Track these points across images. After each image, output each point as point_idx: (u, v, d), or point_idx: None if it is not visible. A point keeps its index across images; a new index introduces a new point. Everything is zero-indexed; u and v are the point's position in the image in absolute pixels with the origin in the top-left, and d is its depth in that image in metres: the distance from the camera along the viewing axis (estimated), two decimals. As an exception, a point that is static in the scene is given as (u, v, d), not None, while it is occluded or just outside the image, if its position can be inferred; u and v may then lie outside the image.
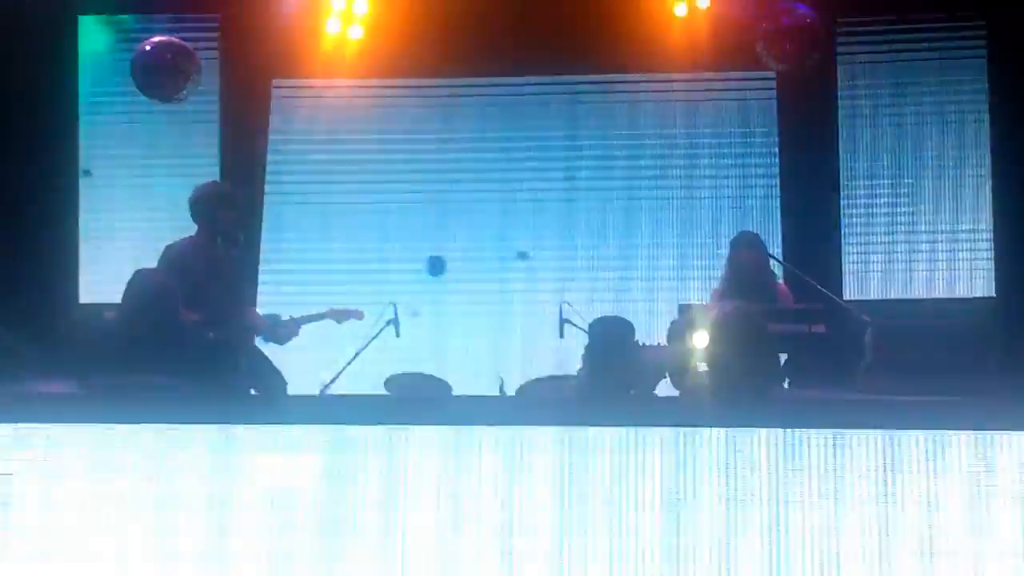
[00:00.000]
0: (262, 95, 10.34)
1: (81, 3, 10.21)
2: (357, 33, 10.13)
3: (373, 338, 8.74)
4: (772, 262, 8.52)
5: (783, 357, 8.01)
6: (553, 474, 5.54)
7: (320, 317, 8.41)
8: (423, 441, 5.62)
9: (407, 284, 10.00)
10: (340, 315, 8.46)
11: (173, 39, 8.92)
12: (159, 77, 8.74)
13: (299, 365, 8.79)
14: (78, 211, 10.22)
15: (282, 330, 8.16)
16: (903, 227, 9.87)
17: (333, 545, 5.52)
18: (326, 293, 9.95)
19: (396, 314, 8.76)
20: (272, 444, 5.66)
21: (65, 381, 6.52)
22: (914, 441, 5.54)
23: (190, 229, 7.95)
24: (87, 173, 10.09)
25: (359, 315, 8.54)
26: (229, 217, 7.87)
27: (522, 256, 10.10)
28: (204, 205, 7.84)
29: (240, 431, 5.64)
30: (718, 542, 5.46)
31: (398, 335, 8.87)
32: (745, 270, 8.12)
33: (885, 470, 5.50)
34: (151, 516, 5.59)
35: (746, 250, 8.22)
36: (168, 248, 7.81)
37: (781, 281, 8.58)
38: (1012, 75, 9.61)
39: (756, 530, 5.45)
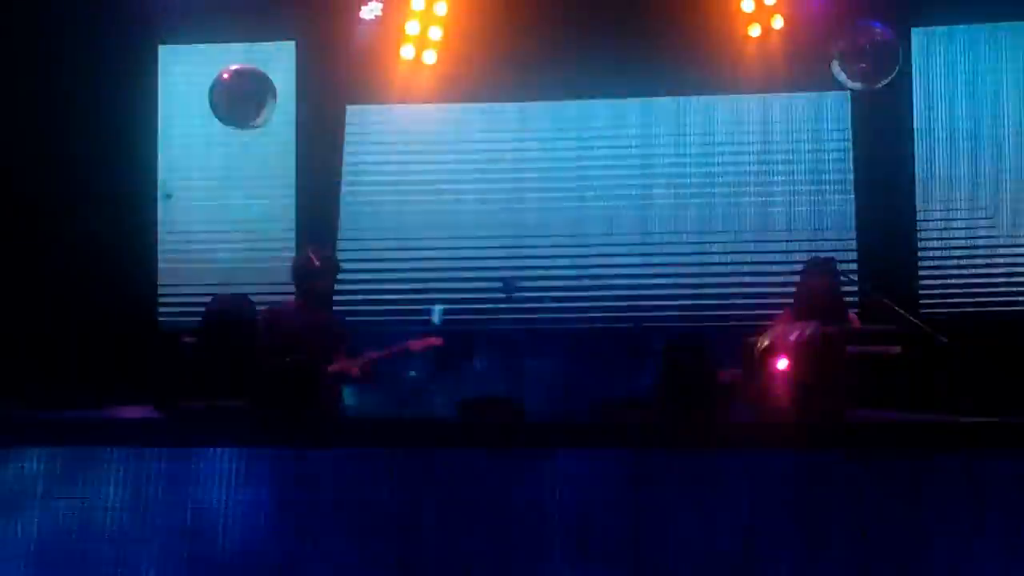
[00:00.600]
0: (337, 120, 10.42)
1: (161, 32, 10.34)
2: (431, 58, 10.20)
3: (448, 365, 8.76)
4: (845, 286, 8.45)
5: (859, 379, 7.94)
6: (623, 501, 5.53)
7: (397, 351, 8.35)
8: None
9: (484, 306, 10.03)
10: (420, 347, 8.39)
11: (250, 66, 9.04)
12: (238, 104, 8.86)
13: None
14: (157, 237, 10.34)
15: (358, 373, 8.15)
16: (981, 245, 9.77)
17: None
18: (401, 315, 10.04)
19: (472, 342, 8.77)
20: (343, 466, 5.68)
21: (143, 406, 6.59)
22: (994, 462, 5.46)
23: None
24: (168, 196, 10.21)
25: (440, 342, 8.51)
26: (326, 287, 8.01)
27: (591, 277, 10.11)
28: (300, 274, 7.95)
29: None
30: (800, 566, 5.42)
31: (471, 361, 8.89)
32: (816, 295, 8.06)
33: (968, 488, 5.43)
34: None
35: (818, 276, 8.15)
36: (265, 312, 7.86)
37: (853, 312, 8.50)
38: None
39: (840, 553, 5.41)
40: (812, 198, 10.01)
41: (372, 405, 8.90)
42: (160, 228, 10.37)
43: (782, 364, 7.09)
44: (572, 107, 10.31)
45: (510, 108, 10.35)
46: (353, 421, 7.73)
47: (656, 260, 10.10)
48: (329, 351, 7.85)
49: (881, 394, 7.80)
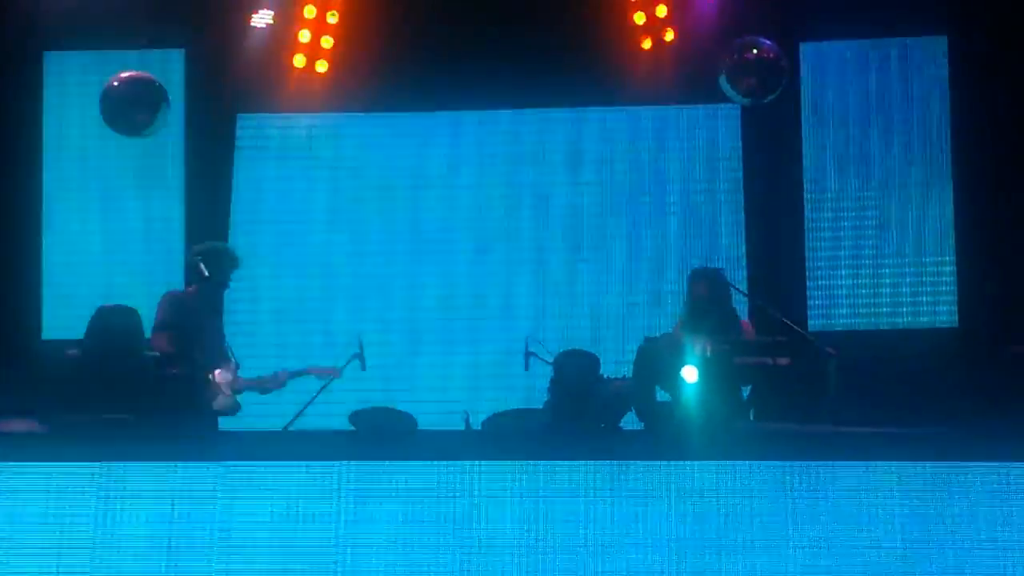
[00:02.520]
0: (228, 129, 10.32)
1: (47, 38, 10.16)
2: (323, 67, 10.15)
3: (340, 371, 8.71)
4: (735, 296, 8.53)
5: (747, 390, 8.03)
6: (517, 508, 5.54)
7: (303, 373, 8.41)
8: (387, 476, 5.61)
9: (375, 317, 9.99)
10: (321, 373, 8.46)
11: (141, 74, 8.91)
12: (128, 112, 8.72)
13: (263, 400, 8.76)
14: (41, 247, 10.15)
15: (269, 383, 8.16)
16: (868, 258, 9.92)
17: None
18: (293, 328, 9.96)
19: (361, 347, 8.74)
20: (232, 481, 5.63)
21: (26, 419, 6.47)
22: (882, 472, 5.57)
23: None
24: None
25: (338, 374, 8.53)
26: (227, 279, 8.07)
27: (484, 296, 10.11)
28: (214, 263, 7.90)
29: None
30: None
31: (364, 368, 8.85)
32: (701, 303, 8.13)
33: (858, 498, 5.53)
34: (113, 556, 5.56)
35: (700, 284, 8.22)
36: (167, 297, 7.86)
37: (745, 318, 8.59)
38: (974, 99, 9.69)
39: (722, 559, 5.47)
40: (704, 209, 10.10)
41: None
42: (45, 238, 10.16)
43: (690, 375, 7.17)
44: (469, 117, 10.29)
45: (406, 118, 10.31)
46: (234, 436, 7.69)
47: (549, 271, 10.11)
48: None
49: (770, 404, 7.91)
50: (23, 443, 5.98)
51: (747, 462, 5.67)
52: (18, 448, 5.86)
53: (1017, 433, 5.79)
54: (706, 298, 8.08)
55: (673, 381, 7.62)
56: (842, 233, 9.96)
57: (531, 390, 9.04)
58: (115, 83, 8.62)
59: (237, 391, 8.05)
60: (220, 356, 7.91)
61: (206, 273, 8.06)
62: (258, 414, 9.12)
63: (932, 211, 9.88)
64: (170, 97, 8.86)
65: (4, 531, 5.60)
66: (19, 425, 6.42)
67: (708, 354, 7.42)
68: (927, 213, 9.88)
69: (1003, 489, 5.60)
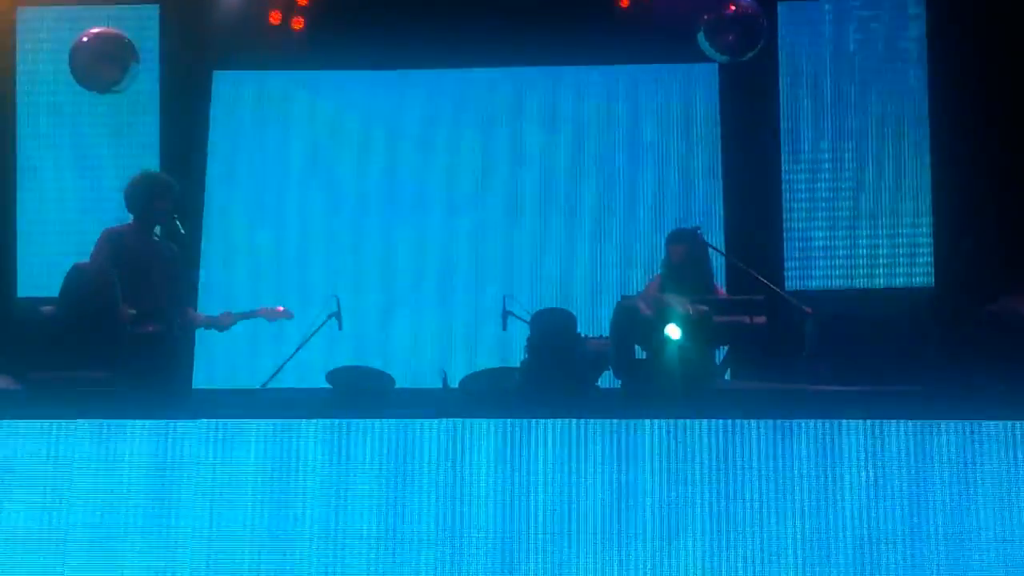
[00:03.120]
0: (203, 87, 10.25)
1: (19, -6, 10.08)
2: (300, 23, 10.07)
3: (315, 331, 8.70)
4: (712, 256, 8.54)
5: (724, 349, 8.05)
6: (495, 466, 5.54)
7: (251, 315, 8.30)
8: (366, 434, 5.60)
9: (351, 275, 9.97)
10: (271, 314, 8.34)
11: (111, 29, 8.83)
12: (97, 68, 8.65)
13: (243, 358, 8.76)
14: (15, 204, 10.08)
15: (218, 323, 8.08)
16: (844, 218, 9.94)
17: (272, 542, 5.50)
18: (268, 285, 9.94)
19: (339, 307, 8.72)
20: (211, 438, 5.62)
21: (1, 375, 6.44)
22: (854, 430, 5.59)
23: (127, 219, 7.86)
24: None
25: (289, 315, 8.41)
26: (165, 207, 7.75)
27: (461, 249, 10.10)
28: (140, 195, 7.71)
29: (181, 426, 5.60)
30: (661, 533, 5.48)
31: (341, 328, 8.84)
32: (677, 265, 8.14)
33: (826, 458, 5.55)
34: (95, 513, 5.55)
35: (678, 244, 8.24)
36: (108, 232, 7.67)
37: (720, 282, 8.60)
38: (951, 57, 9.68)
39: (698, 519, 5.48)
40: (681, 169, 10.09)
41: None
42: (19, 195, 10.09)
43: (674, 332, 7.18)
44: (445, 75, 10.24)
45: (382, 76, 10.25)
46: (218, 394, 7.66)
47: (525, 232, 10.10)
48: (175, 284, 7.74)
49: (747, 363, 7.93)
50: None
51: (725, 420, 5.67)
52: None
53: (991, 391, 5.82)
54: (684, 258, 8.09)
55: (650, 339, 7.62)
56: (819, 193, 9.97)
57: (509, 349, 9.06)
58: (84, 39, 8.55)
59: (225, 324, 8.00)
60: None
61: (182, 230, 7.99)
62: (234, 374, 9.16)
63: (909, 170, 9.89)
64: (144, 53, 8.81)
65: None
66: (-6, 382, 6.39)
67: (688, 313, 7.42)
68: (904, 172, 9.89)
69: (974, 447, 5.62)
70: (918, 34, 9.91)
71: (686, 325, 7.22)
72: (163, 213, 7.73)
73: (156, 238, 7.81)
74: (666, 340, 7.05)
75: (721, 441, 5.60)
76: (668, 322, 7.11)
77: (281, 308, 8.35)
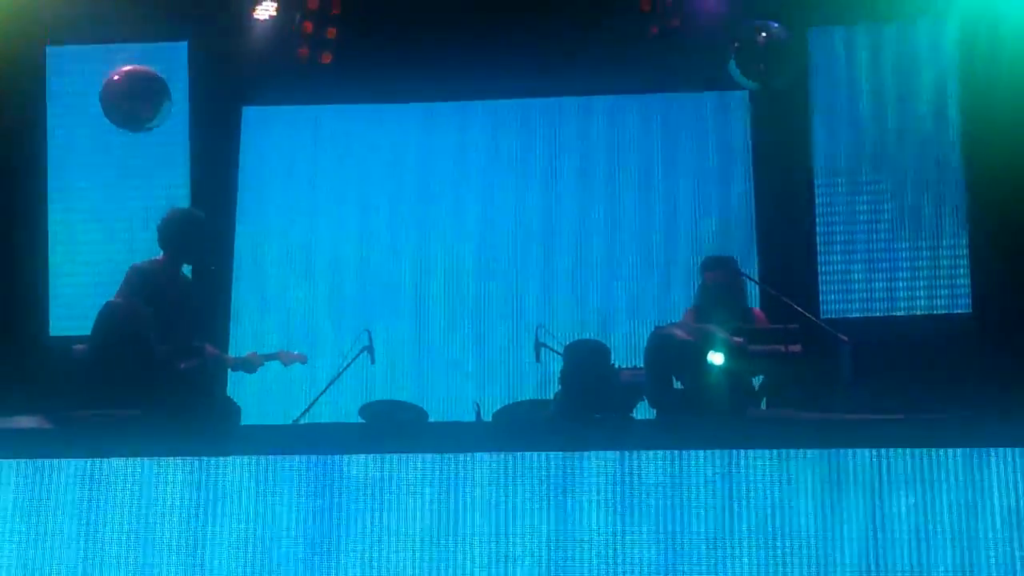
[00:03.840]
0: (232, 122, 10.26)
1: (49, 33, 10.10)
2: (328, 58, 10.08)
3: (347, 365, 8.68)
4: (747, 284, 8.49)
5: (759, 379, 7.98)
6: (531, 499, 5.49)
7: (271, 358, 8.27)
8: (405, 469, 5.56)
9: (383, 309, 9.94)
10: (287, 358, 8.31)
11: (143, 67, 8.84)
12: (128, 106, 8.65)
13: (275, 394, 8.74)
14: (47, 242, 10.10)
15: (246, 363, 8.03)
16: (880, 245, 9.86)
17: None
18: (300, 320, 9.92)
19: (371, 340, 8.70)
20: (247, 476, 5.58)
21: (35, 415, 6.41)
22: (900, 458, 5.52)
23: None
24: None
25: (303, 359, 8.36)
26: (198, 243, 7.71)
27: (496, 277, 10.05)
28: (173, 230, 7.68)
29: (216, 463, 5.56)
30: (714, 564, 5.41)
31: (373, 362, 8.82)
32: (713, 292, 8.09)
33: (874, 487, 5.48)
34: (129, 553, 5.50)
35: (713, 272, 8.19)
36: (136, 267, 7.63)
37: (756, 307, 8.54)
38: (984, 80, 9.62)
39: (750, 551, 5.41)
40: (715, 198, 10.04)
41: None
42: (51, 234, 10.11)
43: (716, 358, 7.15)
44: (477, 107, 10.24)
45: (413, 108, 10.25)
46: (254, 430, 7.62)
47: (558, 260, 10.05)
48: (204, 322, 7.71)
49: (783, 392, 7.86)
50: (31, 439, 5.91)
51: (760, 451, 5.60)
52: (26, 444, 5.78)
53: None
54: (719, 286, 8.04)
55: (686, 370, 7.57)
56: (855, 219, 9.89)
57: (543, 382, 9.02)
58: (115, 77, 8.55)
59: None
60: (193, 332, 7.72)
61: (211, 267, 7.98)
62: (263, 409, 9.14)
63: (946, 196, 9.81)
64: (173, 90, 8.81)
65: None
66: (27, 422, 6.36)
67: (727, 340, 7.39)
68: (942, 198, 9.81)
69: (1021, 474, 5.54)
70: (950, 55, 9.84)
71: (726, 351, 7.20)
72: (196, 249, 7.70)
73: (186, 275, 7.78)
74: (709, 367, 7.01)
75: (758, 471, 5.53)
76: (707, 350, 7.07)
77: (296, 352, 8.31)
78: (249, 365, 7.98)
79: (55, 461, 5.58)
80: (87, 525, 5.54)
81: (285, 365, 8.30)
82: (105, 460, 5.58)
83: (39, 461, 5.62)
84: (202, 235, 7.69)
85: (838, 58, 10.02)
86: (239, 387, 9.23)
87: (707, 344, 7.16)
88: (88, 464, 5.59)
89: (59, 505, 5.56)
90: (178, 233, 7.63)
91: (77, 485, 5.59)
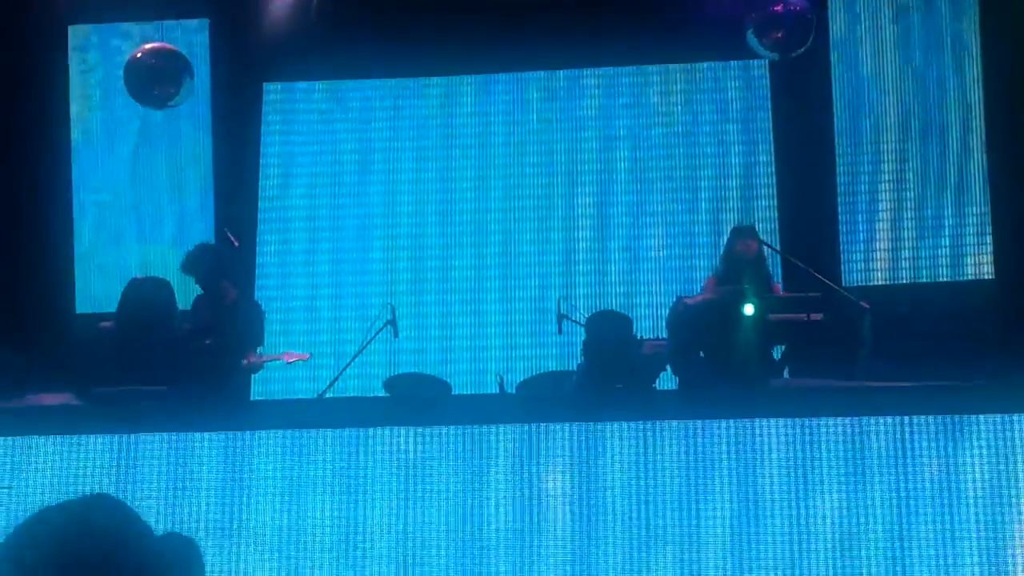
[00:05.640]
0: (254, 98, 10.28)
1: (70, 13, 10.14)
2: (350, 33, 10.06)
3: (370, 339, 8.72)
4: (769, 253, 8.50)
5: (782, 347, 8.01)
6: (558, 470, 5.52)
7: (275, 358, 8.37)
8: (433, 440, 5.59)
9: (408, 283, 9.97)
10: (291, 357, 8.38)
11: (165, 44, 8.88)
12: (151, 84, 8.68)
13: (299, 370, 8.80)
14: (72, 221, 10.15)
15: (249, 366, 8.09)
16: (902, 212, 9.82)
17: (344, 550, 5.49)
18: (325, 294, 9.96)
19: (394, 315, 8.75)
20: (276, 448, 5.63)
21: (63, 392, 6.48)
22: (922, 426, 5.53)
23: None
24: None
25: (306, 358, 8.46)
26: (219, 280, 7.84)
27: (520, 253, 10.05)
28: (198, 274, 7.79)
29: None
30: (734, 531, 5.43)
31: (396, 335, 8.87)
32: (739, 260, 8.10)
33: (900, 455, 5.50)
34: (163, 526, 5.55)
35: (741, 240, 8.20)
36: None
37: (778, 280, 8.55)
38: (1006, 44, 9.56)
39: (774, 518, 5.43)
40: (737, 166, 10.01)
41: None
42: (75, 212, 10.17)
43: (748, 309, 7.21)
44: (500, 80, 10.22)
45: (435, 82, 10.24)
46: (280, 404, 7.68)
47: (580, 231, 10.04)
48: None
49: (804, 359, 7.88)
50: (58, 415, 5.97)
51: (782, 419, 5.62)
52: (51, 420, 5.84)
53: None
54: (744, 255, 8.06)
55: (708, 339, 7.61)
56: (877, 187, 9.86)
57: (565, 353, 9.04)
58: (138, 55, 8.59)
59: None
60: None
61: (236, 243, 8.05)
62: (291, 383, 9.21)
63: (969, 163, 9.77)
64: (195, 68, 8.85)
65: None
66: (54, 398, 6.42)
67: (748, 312, 7.44)
68: (965, 165, 9.78)
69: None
70: (973, 25, 9.79)
71: (756, 303, 7.28)
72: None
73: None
74: (736, 328, 7.08)
75: (792, 439, 5.55)
76: (731, 318, 7.13)
77: (294, 354, 8.37)
78: (251, 368, 8.05)
79: (84, 436, 5.62)
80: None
81: (288, 363, 8.39)
82: (133, 436, 5.62)
83: (69, 437, 5.67)
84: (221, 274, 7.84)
85: (858, 25, 9.98)
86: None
87: (733, 307, 7.23)
88: (117, 439, 5.63)
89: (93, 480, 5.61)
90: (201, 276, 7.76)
91: (109, 457, 5.63)
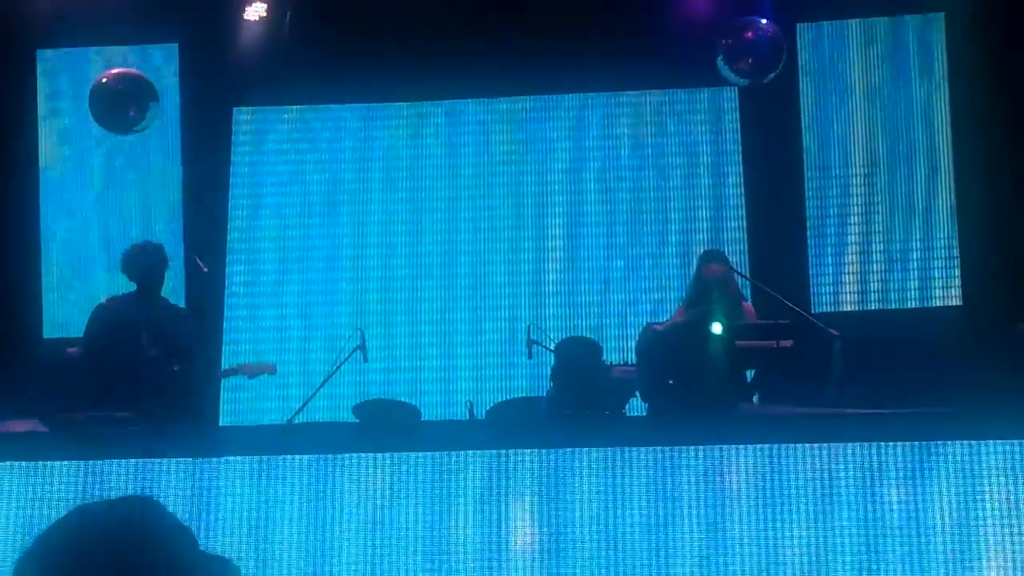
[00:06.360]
0: (224, 123, 10.26)
1: (39, 37, 10.10)
2: (318, 59, 10.06)
3: (340, 365, 8.69)
4: (738, 280, 8.52)
5: (751, 373, 8.02)
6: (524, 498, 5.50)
7: (234, 372, 8.30)
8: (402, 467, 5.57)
9: (377, 308, 9.94)
10: (253, 370, 8.32)
11: (131, 70, 8.85)
12: (118, 109, 8.64)
13: (270, 394, 8.75)
14: (40, 246, 10.09)
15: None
16: (870, 237, 9.87)
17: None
18: (295, 320, 9.93)
19: (363, 340, 8.72)
20: (244, 473, 5.59)
21: (29, 418, 6.42)
22: (891, 452, 5.54)
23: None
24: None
25: (272, 370, 8.37)
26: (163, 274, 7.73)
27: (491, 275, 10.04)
28: (138, 267, 7.69)
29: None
30: (703, 557, 5.43)
31: (366, 361, 8.84)
32: (709, 284, 8.11)
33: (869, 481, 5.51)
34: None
35: (710, 264, 8.21)
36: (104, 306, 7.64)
37: (748, 301, 8.57)
38: (972, 74, 9.64)
39: (742, 545, 5.43)
40: (707, 193, 10.04)
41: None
42: (43, 236, 10.11)
43: (716, 328, 7.21)
44: (470, 105, 10.23)
45: (404, 108, 10.24)
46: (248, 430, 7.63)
47: (550, 256, 10.04)
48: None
49: (774, 387, 7.89)
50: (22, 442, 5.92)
51: (752, 446, 5.62)
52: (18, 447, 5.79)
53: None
54: (716, 279, 8.07)
55: (676, 363, 7.61)
56: (846, 213, 9.91)
57: (535, 378, 9.03)
58: (104, 80, 8.55)
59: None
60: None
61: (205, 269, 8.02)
62: (260, 408, 9.16)
63: (937, 189, 9.83)
64: (164, 92, 8.82)
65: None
66: (21, 425, 6.37)
67: (715, 331, 7.44)
68: (932, 192, 9.83)
69: (1016, 465, 5.57)
70: (938, 50, 9.87)
71: (724, 322, 7.29)
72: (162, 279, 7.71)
73: (166, 300, 7.77)
74: (702, 360, 7.07)
75: (762, 467, 5.55)
76: (699, 345, 7.13)
77: (261, 363, 8.30)
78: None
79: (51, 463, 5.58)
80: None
81: (251, 378, 8.34)
82: (101, 462, 5.58)
83: (35, 463, 5.63)
84: (166, 265, 7.73)
85: (826, 53, 10.04)
86: (233, 387, 9.24)
87: (701, 327, 7.24)
88: (83, 466, 5.59)
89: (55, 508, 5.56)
90: (143, 266, 7.64)
91: (73, 486, 5.59)
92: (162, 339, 7.33)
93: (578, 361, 7.79)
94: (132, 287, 7.63)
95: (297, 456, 5.55)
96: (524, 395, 9.17)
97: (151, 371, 7.14)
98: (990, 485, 5.48)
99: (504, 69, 9.83)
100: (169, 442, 5.72)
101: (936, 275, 9.72)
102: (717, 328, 7.36)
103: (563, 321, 9.71)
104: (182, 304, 8.59)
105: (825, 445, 5.58)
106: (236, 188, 10.22)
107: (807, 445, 5.57)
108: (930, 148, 9.87)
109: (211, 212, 10.07)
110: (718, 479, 5.50)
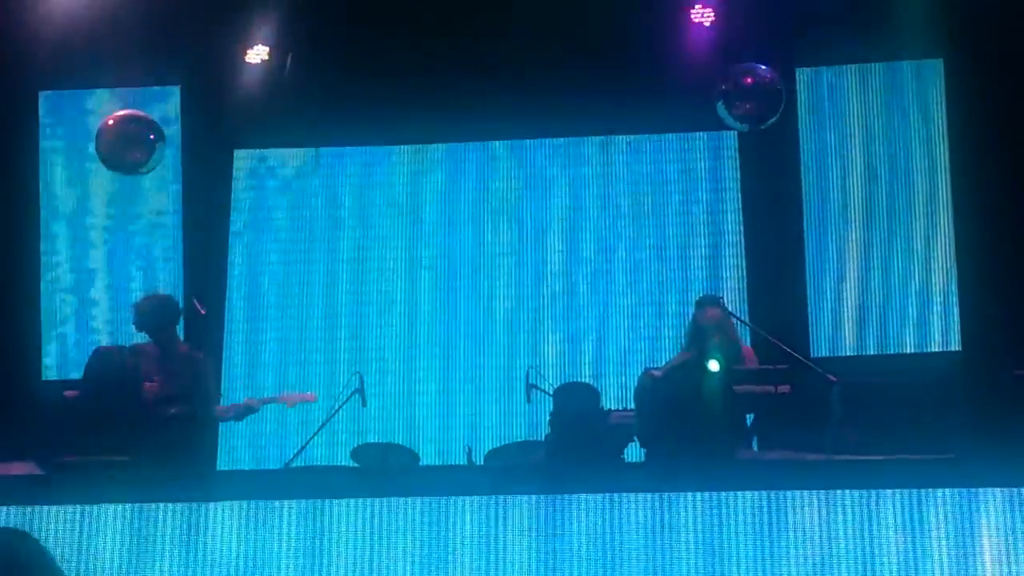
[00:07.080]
0: (225, 165, 10.29)
1: (41, 79, 10.14)
2: (321, 102, 10.09)
3: (338, 408, 8.68)
4: (737, 324, 8.51)
5: (750, 418, 8.00)
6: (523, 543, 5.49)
7: (274, 400, 8.30)
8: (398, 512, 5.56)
9: (375, 352, 9.94)
10: (294, 399, 8.32)
11: (136, 112, 8.89)
12: (123, 150, 8.68)
13: (268, 438, 8.73)
14: (39, 287, 10.10)
15: (243, 410, 7.99)
16: (869, 282, 9.87)
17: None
18: (294, 363, 9.92)
19: (362, 383, 8.71)
20: (238, 519, 5.58)
21: (26, 461, 6.41)
22: (889, 499, 5.53)
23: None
24: None
25: (313, 399, 8.41)
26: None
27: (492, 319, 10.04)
28: (151, 319, 7.69)
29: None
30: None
31: (364, 404, 8.83)
32: (707, 329, 8.09)
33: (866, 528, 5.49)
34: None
35: (707, 309, 8.20)
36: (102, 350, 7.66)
37: (748, 344, 8.55)
38: (971, 122, 9.66)
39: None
40: (706, 239, 10.04)
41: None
42: (44, 278, 10.12)
43: (713, 365, 7.21)
44: (471, 148, 10.24)
45: (406, 150, 10.27)
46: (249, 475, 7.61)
47: (548, 301, 10.04)
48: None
49: (773, 432, 7.87)
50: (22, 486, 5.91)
51: (750, 492, 5.61)
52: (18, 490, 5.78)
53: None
54: (711, 325, 8.05)
55: (674, 405, 7.60)
56: (845, 257, 9.91)
57: (533, 424, 9.02)
58: (109, 122, 8.59)
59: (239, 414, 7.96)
60: None
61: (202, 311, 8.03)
62: (258, 453, 9.14)
63: (936, 232, 9.83)
64: (166, 134, 8.85)
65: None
66: (18, 468, 6.36)
67: (712, 368, 7.44)
68: (931, 237, 9.84)
69: (1014, 512, 5.56)
70: (937, 97, 9.90)
71: (711, 386, 7.28)
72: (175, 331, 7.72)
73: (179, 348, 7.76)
74: (707, 374, 7.09)
75: (759, 512, 5.54)
76: (697, 390, 7.12)
77: (301, 393, 8.32)
78: (245, 412, 7.94)
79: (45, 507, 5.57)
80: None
81: (290, 407, 8.33)
82: (96, 506, 5.57)
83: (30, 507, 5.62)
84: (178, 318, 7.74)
85: (825, 98, 10.07)
86: (231, 430, 9.23)
87: (697, 366, 7.25)
88: (78, 509, 5.57)
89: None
90: (171, 321, 7.66)
91: (70, 527, 5.57)
92: (175, 385, 7.33)
93: (577, 406, 7.79)
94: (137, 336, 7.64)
95: (292, 501, 5.54)
96: (524, 439, 9.15)
97: (149, 413, 7.13)
98: (987, 532, 5.46)
99: (504, 113, 9.86)
100: (163, 486, 5.70)
101: (935, 321, 9.72)
102: (714, 366, 7.36)
103: (562, 367, 9.69)
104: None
105: (823, 492, 5.56)
106: (236, 230, 10.23)
107: (805, 492, 5.56)
108: (929, 194, 9.88)
109: (211, 254, 10.08)
110: (715, 524, 5.49)
